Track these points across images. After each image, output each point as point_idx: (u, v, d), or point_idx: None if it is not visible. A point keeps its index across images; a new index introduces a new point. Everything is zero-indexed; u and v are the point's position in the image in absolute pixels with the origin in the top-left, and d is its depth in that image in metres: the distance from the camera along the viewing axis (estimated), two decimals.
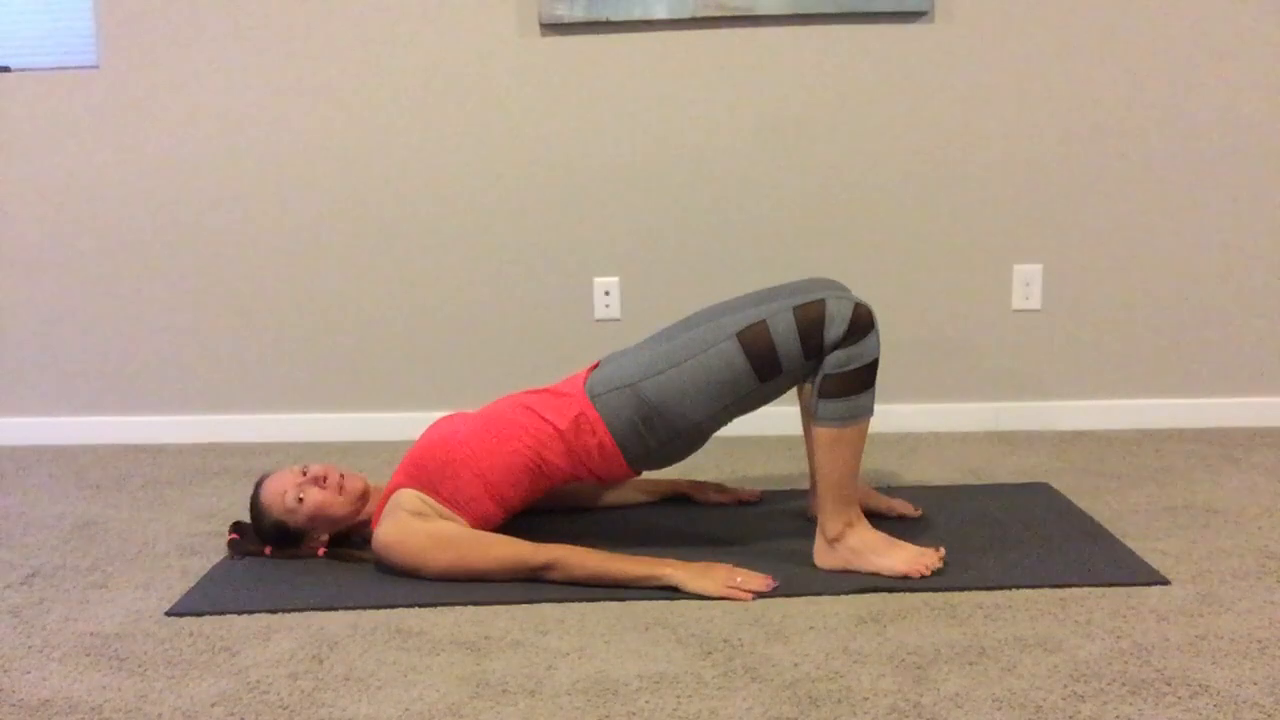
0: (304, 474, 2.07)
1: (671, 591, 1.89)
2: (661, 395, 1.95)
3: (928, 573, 1.91)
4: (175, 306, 3.03)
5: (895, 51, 2.80)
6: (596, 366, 2.10)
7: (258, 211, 2.96)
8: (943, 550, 1.95)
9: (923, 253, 2.90)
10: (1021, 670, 1.60)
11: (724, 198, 2.89)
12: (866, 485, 2.32)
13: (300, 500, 2.04)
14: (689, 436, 2.00)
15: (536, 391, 2.10)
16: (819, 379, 1.91)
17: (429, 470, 2.01)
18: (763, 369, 1.92)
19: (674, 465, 2.14)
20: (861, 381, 1.90)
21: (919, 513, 2.25)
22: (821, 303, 1.89)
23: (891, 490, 2.42)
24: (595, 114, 2.87)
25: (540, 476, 2.04)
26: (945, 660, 1.64)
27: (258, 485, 2.11)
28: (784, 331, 1.89)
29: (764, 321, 1.91)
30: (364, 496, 2.11)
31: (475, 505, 2.01)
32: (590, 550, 1.95)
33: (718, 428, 2.02)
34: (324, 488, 2.05)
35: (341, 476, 2.08)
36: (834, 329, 1.88)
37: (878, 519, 2.19)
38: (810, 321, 1.88)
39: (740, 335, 1.92)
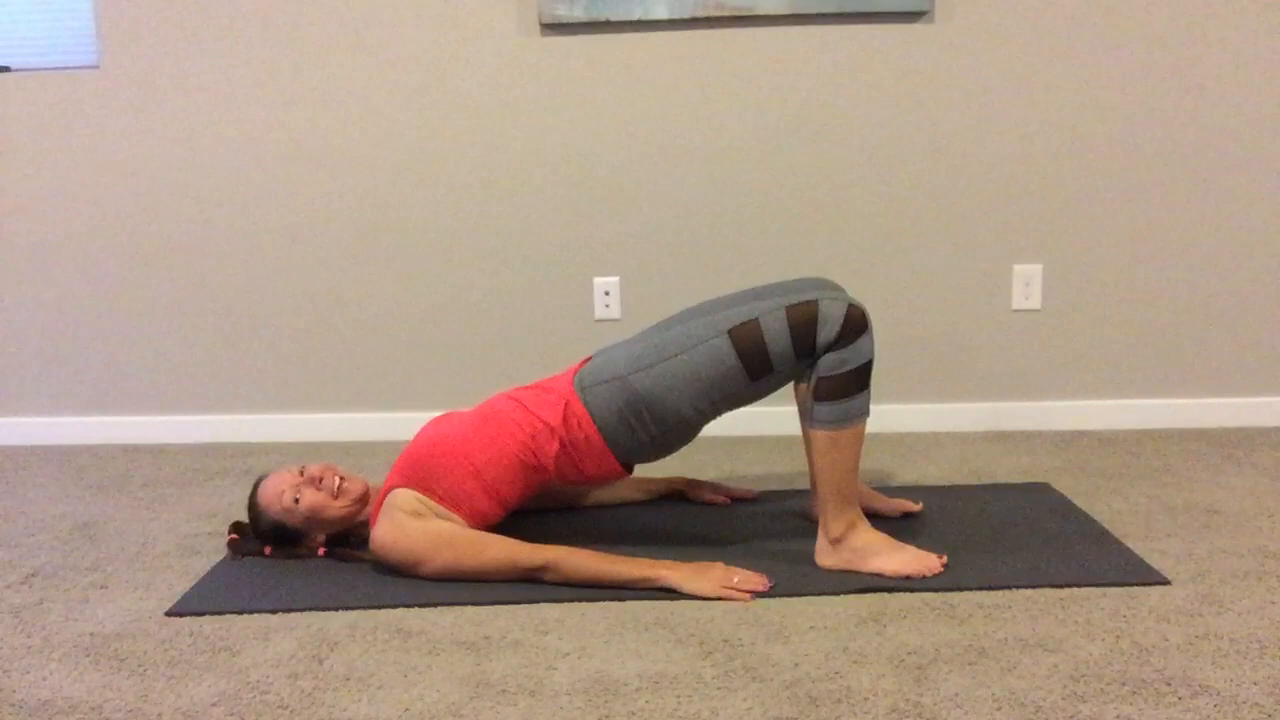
0: (301, 474, 2.06)
1: (670, 592, 1.89)
2: (651, 388, 1.95)
3: (929, 575, 1.91)
4: (175, 306, 3.03)
5: (895, 51, 2.80)
6: (588, 361, 2.10)
7: (258, 211, 2.96)
8: (945, 558, 1.96)
9: (922, 253, 2.90)
10: (1021, 670, 1.61)
11: (724, 197, 2.89)
12: (867, 486, 2.32)
13: (296, 501, 2.04)
14: (678, 430, 2.00)
15: (527, 387, 2.10)
16: (814, 382, 1.91)
17: (424, 469, 2.01)
18: (753, 367, 1.91)
19: (666, 460, 2.13)
20: (856, 383, 1.90)
21: (919, 506, 2.26)
22: (814, 303, 1.89)
23: (890, 490, 2.42)
24: (595, 114, 2.87)
25: (535, 471, 2.04)
26: (945, 660, 1.64)
27: (255, 486, 2.11)
28: (776, 331, 1.89)
29: (756, 320, 1.91)
30: (363, 499, 2.10)
31: (472, 503, 2.01)
32: (586, 552, 1.95)
33: (707, 422, 2.01)
34: (320, 489, 2.05)
35: (340, 479, 2.07)
36: (827, 330, 1.88)
37: (879, 519, 2.19)
38: (803, 322, 1.88)
39: (732, 332, 1.91)
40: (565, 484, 2.11)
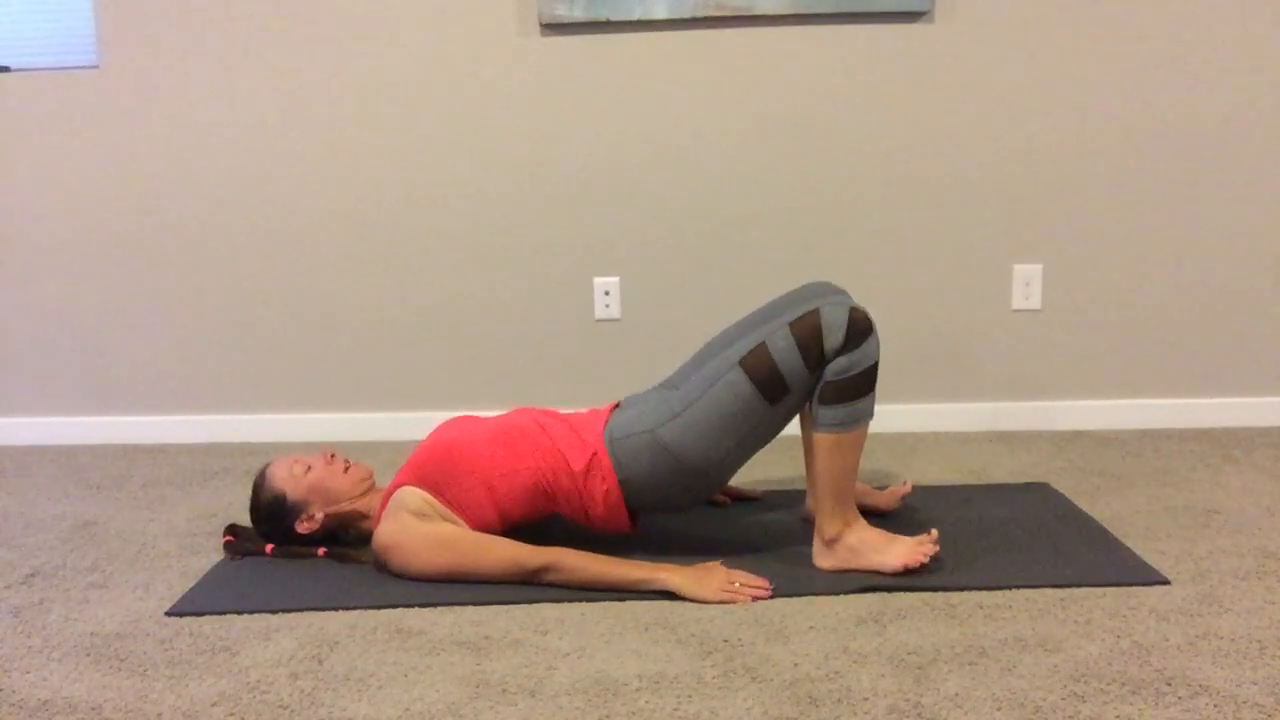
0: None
1: (670, 594, 1.89)
2: (680, 437, 1.94)
3: (926, 560, 1.90)
4: (175, 306, 3.03)
5: (895, 51, 2.80)
6: (616, 408, 2.09)
7: (257, 211, 2.96)
8: (935, 532, 1.94)
9: (923, 253, 2.90)
10: (1021, 670, 1.61)
11: (724, 197, 2.89)
12: (864, 484, 2.32)
13: (307, 470, 2.09)
14: (713, 475, 1.98)
15: (556, 417, 2.09)
16: (819, 385, 1.91)
17: (435, 471, 2.01)
18: (770, 391, 1.90)
19: None
20: (862, 386, 1.90)
21: (908, 486, 2.25)
22: (816, 313, 1.88)
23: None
24: (595, 114, 2.87)
25: (545, 500, 2.03)
26: (945, 660, 1.64)
27: (264, 468, 2.14)
28: (784, 349, 1.88)
29: (763, 344, 1.90)
30: (366, 482, 2.14)
31: (478, 511, 2.01)
32: (588, 554, 1.94)
33: (739, 463, 1.99)
34: (330, 464, 2.11)
35: (348, 460, 2.14)
36: (832, 337, 1.87)
37: (881, 517, 2.19)
38: (808, 334, 1.88)
39: (743, 363, 1.91)
40: (567, 519, 2.10)
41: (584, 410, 2.17)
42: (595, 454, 1.99)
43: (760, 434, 1.96)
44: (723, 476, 2.00)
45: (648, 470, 1.96)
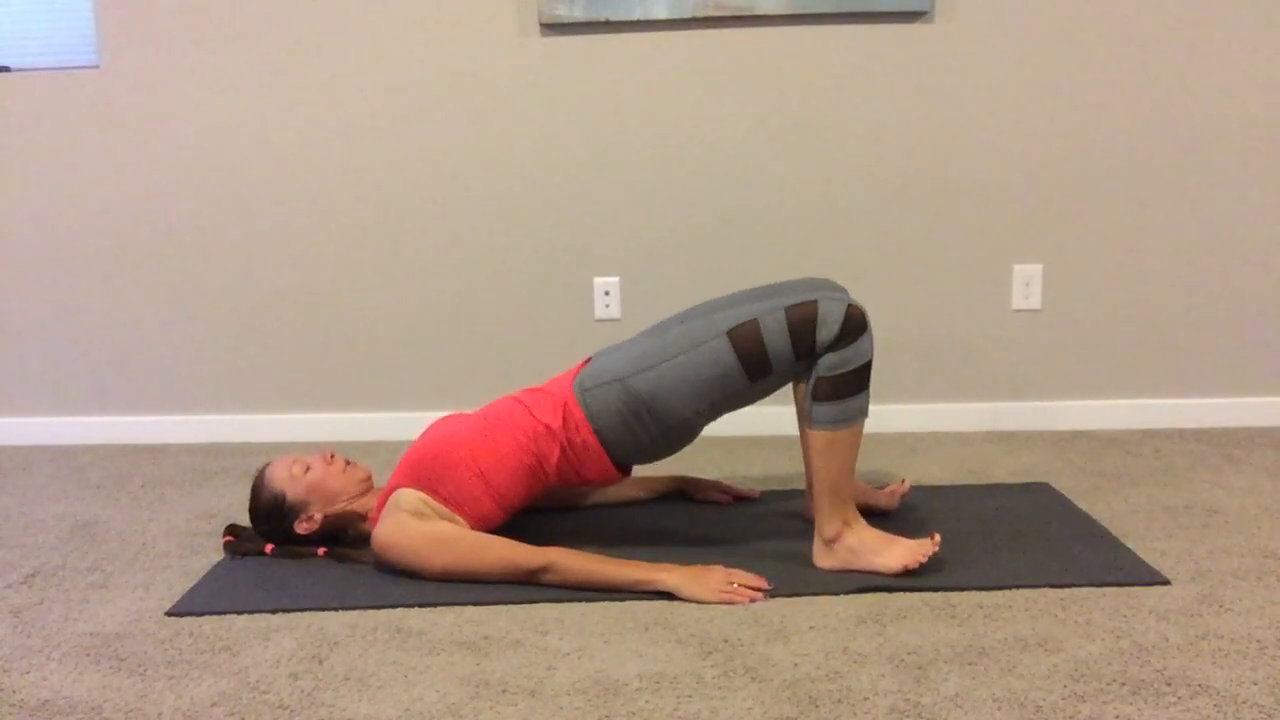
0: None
1: (670, 595, 1.89)
2: (651, 390, 1.95)
3: (925, 560, 1.90)
4: (175, 306, 3.03)
5: (895, 51, 2.80)
6: (588, 362, 2.10)
7: (257, 211, 2.96)
8: (938, 536, 1.94)
9: (923, 253, 2.90)
10: (1021, 670, 1.61)
11: (724, 197, 2.89)
12: (864, 484, 2.32)
13: (306, 470, 2.08)
14: (679, 431, 2.00)
15: (531, 390, 2.11)
16: (812, 382, 1.91)
17: (428, 470, 2.01)
18: (752, 368, 1.92)
19: (664, 460, 2.13)
20: (855, 384, 1.90)
21: (907, 485, 2.26)
22: (814, 304, 1.89)
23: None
24: (595, 114, 2.87)
25: (539, 474, 2.04)
26: (945, 660, 1.64)
27: (263, 469, 2.14)
28: (775, 331, 1.89)
29: (755, 320, 1.91)
30: (367, 483, 2.13)
31: (475, 504, 2.01)
32: (586, 554, 1.94)
33: (707, 423, 2.02)
34: (329, 464, 2.10)
35: (347, 461, 2.13)
36: (826, 330, 1.88)
37: (880, 516, 2.19)
38: (802, 322, 1.88)
39: (731, 334, 1.91)
40: (565, 487, 2.11)
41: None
42: (565, 404, 2.00)
43: (732, 403, 1.98)
44: (690, 434, 2.03)
45: (618, 418, 1.97)
